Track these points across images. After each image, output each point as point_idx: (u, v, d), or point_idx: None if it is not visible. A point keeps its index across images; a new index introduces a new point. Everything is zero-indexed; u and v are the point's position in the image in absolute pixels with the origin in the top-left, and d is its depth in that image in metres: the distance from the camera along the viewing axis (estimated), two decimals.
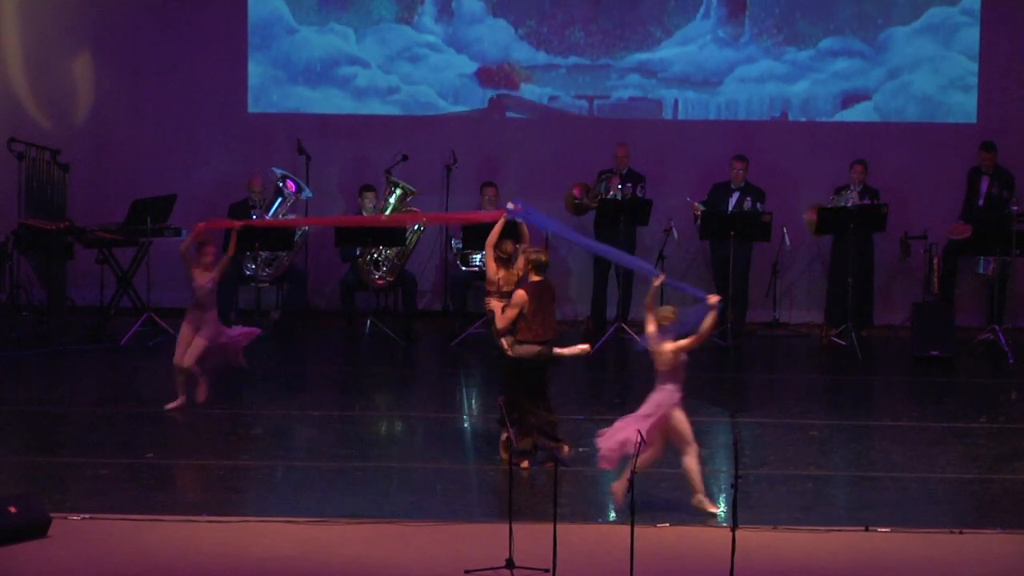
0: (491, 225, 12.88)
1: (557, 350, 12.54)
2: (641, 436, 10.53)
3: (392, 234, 17.66)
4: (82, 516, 11.04)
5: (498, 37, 19.04)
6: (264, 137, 19.09)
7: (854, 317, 17.46)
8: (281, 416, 14.49)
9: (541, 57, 19.03)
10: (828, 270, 18.14)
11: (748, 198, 17.88)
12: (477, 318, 17.13)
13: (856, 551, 10.62)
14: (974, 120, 18.80)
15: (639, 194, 17.93)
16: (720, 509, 11.36)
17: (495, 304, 12.63)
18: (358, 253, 17.84)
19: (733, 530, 9.73)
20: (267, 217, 18.02)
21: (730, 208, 17.86)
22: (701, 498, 11.37)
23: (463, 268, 17.96)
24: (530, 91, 19.10)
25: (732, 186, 18.01)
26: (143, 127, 19.13)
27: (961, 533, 10.93)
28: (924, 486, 12.26)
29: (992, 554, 10.57)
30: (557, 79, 19.05)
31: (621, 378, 16.84)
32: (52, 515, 10.76)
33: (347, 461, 12.86)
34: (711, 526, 11.06)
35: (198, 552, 10.45)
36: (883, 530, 10.98)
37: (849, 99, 18.92)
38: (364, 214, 17.94)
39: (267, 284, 18.12)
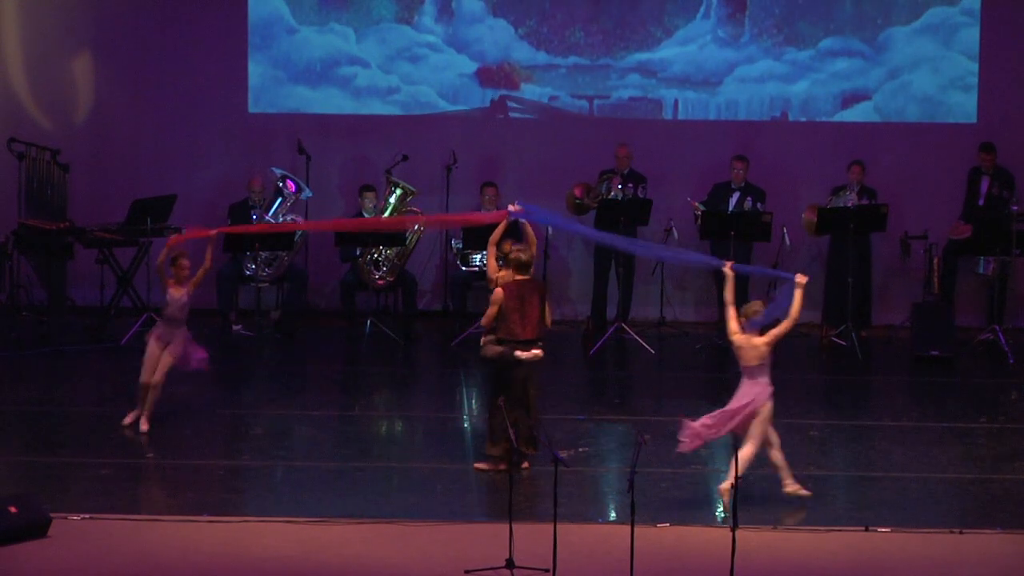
0: (492, 226, 12.86)
1: (517, 353, 12.29)
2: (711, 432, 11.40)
3: (392, 234, 17.66)
4: (82, 516, 11.04)
5: (498, 37, 19.04)
6: (264, 137, 19.09)
7: (853, 317, 17.46)
8: (281, 416, 14.49)
9: (541, 57, 19.03)
10: (826, 270, 18.14)
11: (748, 198, 17.88)
12: (477, 318, 17.09)
13: (856, 551, 10.62)
14: (974, 120, 18.80)
15: (640, 195, 17.93)
16: (809, 493, 11.64)
17: None
18: (358, 253, 17.84)
19: (733, 530, 9.73)
20: (267, 216, 18.03)
21: (730, 208, 17.86)
22: (792, 484, 11.64)
23: (463, 268, 17.96)
24: (530, 91, 19.10)
25: (732, 186, 18.01)
26: (143, 127, 19.13)
27: (961, 533, 10.93)
28: (924, 486, 12.26)
29: (992, 554, 10.58)
30: (557, 79, 19.05)
31: (621, 378, 16.84)
32: (52, 515, 10.76)
33: (347, 461, 12.86)
34: (711, 526, 11.07)
35: (198, 552, 10.46)
36: (883, 530, 10.98)
37: (849, 99, 18.92)
38: (364, 214, 17.94)
39: (267, 284, 18.12)
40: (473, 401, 15.59)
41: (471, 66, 19.07)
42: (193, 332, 17.61)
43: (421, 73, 19.07)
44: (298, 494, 11.95)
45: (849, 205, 17.65)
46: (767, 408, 11.56)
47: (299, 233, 17.99)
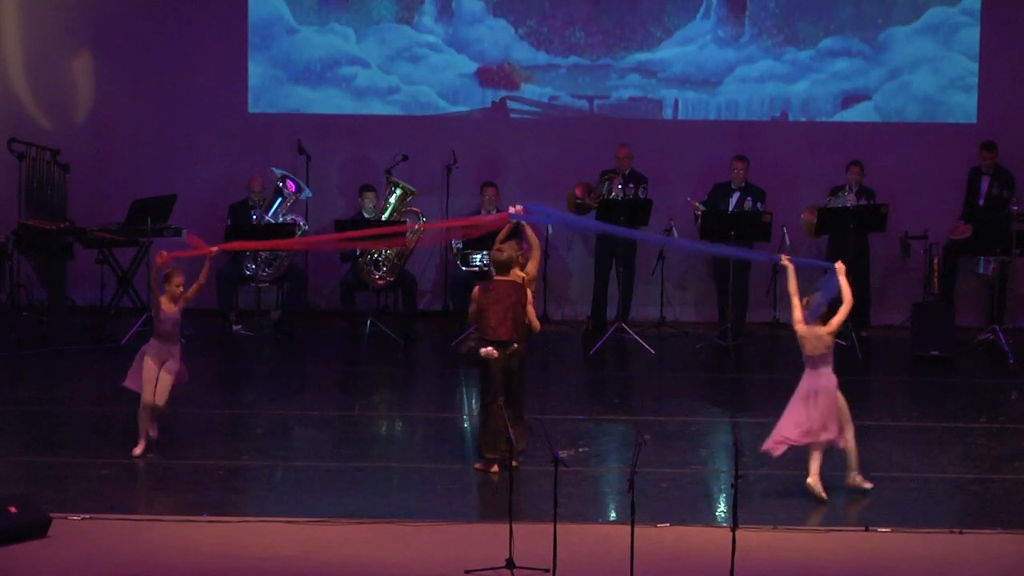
0: (494, 231, 12.90)
1: (482, 349, 12.37)
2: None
3: (392, 234, 17.63)
4: (82, 516, 11.04)
5: (498, 37, 19.04)
6: (264, 137, 19.09)
7: (853, 317, 17.43)
8: (281, 416, 14.49)
9: (541, 57, 19.03)
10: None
11: (748, 198, 17.87)
12: None
13: (856, 551, 10.62)
14: (974, 120, 18.80)
15: (641, 195, 17.93)
16: (871, 485, 11.86)
17: None
18: (358, 253, 17.84)
19: (733, 530, 9.73)
20: (267, 217, 18.03)
21: (730, 208, 17.86)
22: (856, 476, 11.88)
23: (463, 268, 17.95)
24: (530, 91, 19.10)
25: (732, 186, 18.01)
26: (143, 127, 19.13)
27: (961, 533, 10.93)
28: (924, 486, 12.26)
29: (992, 554, 10.58)
30: (557, 79, 19.05)
31: (621, 378, 16.84)
32: (52, 515, 10.76)
33: (347, 461, 12.86)
34: (711, 526, 11.07)
35: (198, 552, 10.46)
36: (883, 530, 10.98)
37: (849, 99, 18.92)
38: (364, 214, 17.94)
39: (267, 284, 18.12)
40: (473, 401, 15.59)
41: (471, 66, 19.07)
42: (193, 332, 17.71)
43: (421, 73, 19.07)
44: (298, 494, 11.95)
45: (847, 205, 17.64)
46: (840, 397, 11.91)
47: (299, 233, 17.97)
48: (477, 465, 12.49)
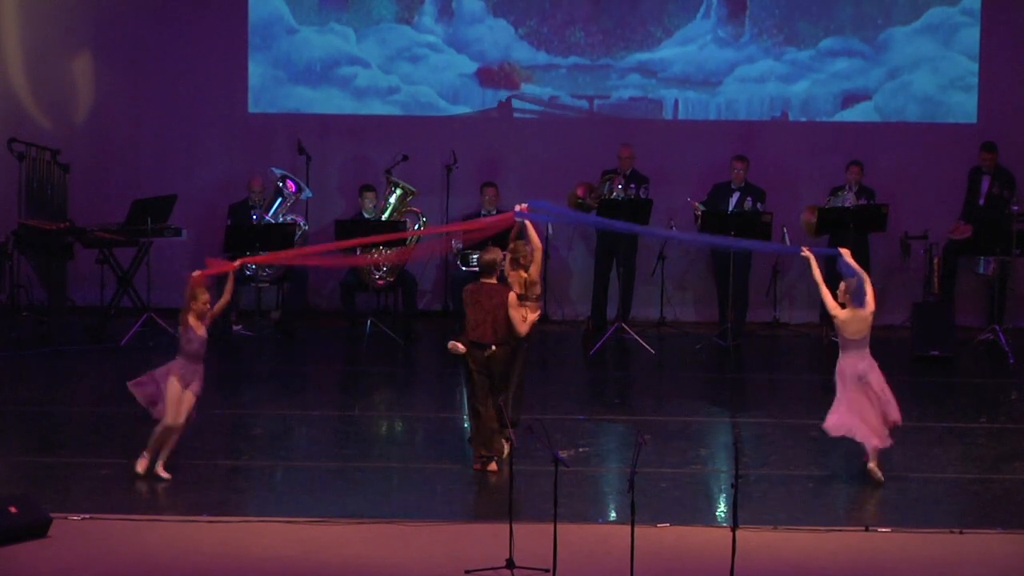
0: (500, 233, 12.94)
1: (449, 343, 12.61)
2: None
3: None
4: (82, 516, 11.05)
5: (498, 37, 19.04)
6: (264, 137, 19.09)
7: None
8: (281, 416, 14.49)
9: (541, 57, 19.03)
10: (825, 270, 18.11)
11: (748, 198, 17.87)
12: None
13: (856, 551, 10.63)
14: (974, 120, 18.80)
15: (642, 195, 17.93)
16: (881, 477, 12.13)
17: (527, 307, 12.71)
18: (358, 253, 17.82)
19: (733, 530, 9.73)
20: (267, 217, 18.03)
21: (730, 208, 17.85)
22: (873, 466, 12.13)
23: (463, 268, 17.94)
24: (530, 91, 19.10)
25: (732, 186, 18.01)
26: (143, 127, 19.13)
27: (961, 533, 10.93)
28: (924, 486, 12.26)
29: (992, 554, 10.58)
30: (557, 79, 19.05)
31: (621, 378, 16.84)
32: (52, 515, 10.77)
33: (347, 461, 12.87)
34: (711, 526, 11.07)
35: (198, 552, 10.46)
36: (883, 530, 10.99)
37: (849, 99, 18.92)
38: (364, 214, 17.94)
39: (267, 284, 18.12)
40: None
41: (471, 66, 19.07)
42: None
43: (421, 73, 19.07)
44: (298, 494, 11.96)
45: (847, 205, 17.64)
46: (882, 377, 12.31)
47: (299, 233, 17.99)
48: (476, 465, 12.51)
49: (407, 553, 10.45)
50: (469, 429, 12.81)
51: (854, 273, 12.33)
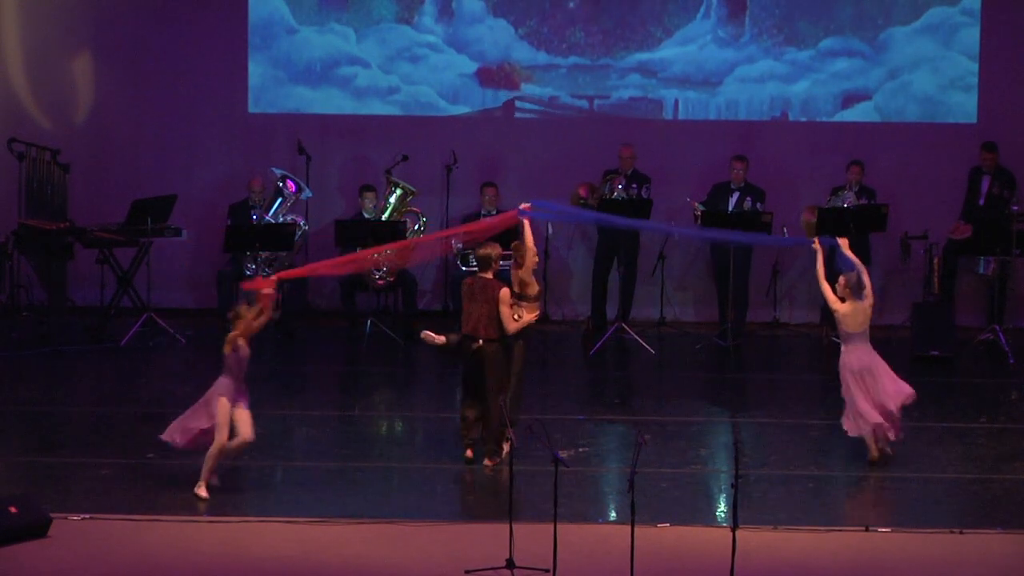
0: (504, 233, 12.98)
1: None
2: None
3: (392, 234, 17.66)
4: (82, 516, 11.04)
5: (498, 37, 19.04)
6: (264, 137, 19.09)
7: None
8: (281, 416, 14.49)
9: (541, 57, 19.02)
10: (825, 270, 18.11)
11: (748, 198, 17.87)
12: None
13: (856, 551, 10.62)
14: (974, 120, 18.80)
15: (644, 195, 17.92)
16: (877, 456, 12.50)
17: (523, 307, 12.73)
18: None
19: (733, 530, 9.73)
20: (267, 217, 18.02)
21: (730, 208, 17.85)
22: (879, 451, 12.51)
23: (463, 268, 17.94)
24: (530, 91, 19.10)
25: (732, 186, 18.01)
26: (143, 127, 19.13)
27: (961, 533, 10.93)
28: (924, 486, 12.26)
29: (992, 554, 10.58)
30: (557, 79, 19.04)
31: (621, 378, 16.84)
32: (52, 515, 10.76)
33: (347, 461, 12.87)
34: (711, 526, 11.07)
35: (198, 552, 10.46)
36: (883, 530, 10.98)
37: (849, 99, 18.92)
38: (364, 214, 17.95)
39: None
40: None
41: (471, 66, 19.07)
42: (193, 333, 17.73)
43: (421, 73, 19.07)
44: (298, 494, 11.95)
45: (847, 205, 17.64)
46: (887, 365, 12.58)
47: (299, 233, 17.99)
48: (487, 461, 12.55)
49: (407, 553, 10.45)
50: (461, 424, 12.81)
51: (852, 266, 12.49)
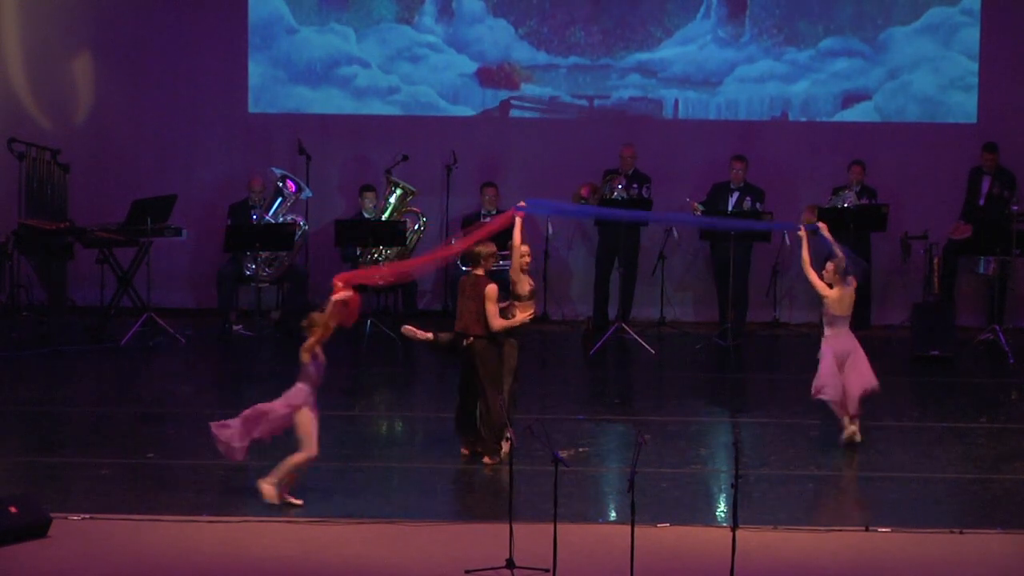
0: (503, 233, 12.98)
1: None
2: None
3: (392, 234, 17.67)
4: (82, 516, 11.04)
5: (498, 37, 19.04)
6: (264, 137, 19.09)
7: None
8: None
9: (541, 57, 19.03)
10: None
11: (748, 198, 17.88)
12: None
13: (856, 551, 10.62)
14: (974, 120, 18.81)
15: (644, 195, 17.93)
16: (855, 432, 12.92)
17: (516, 307, 12.73)
18: (358, 253, 17.84)
19: (733, 530, 9.73)
20: (267, 216, 18.03)
21: (730, 208, 17.86)
22: (853, 430, 12.95)
23: (463, 268, 17.93)
24: (530, 91, 19.10)
25: (732, 186, 18.02)
26: (143, 127, 19.13)
27: (961, 533, 10.92)
28: (924, 486, 12.26)
29: (992, 554, 10.57)
30: (557, 79, 19.05)
31: (621, 378, 16.84)
32: (52, 515, 10.76)
33: (347, 461, 12.86)
34: (711, 526, 11.06)
35: (198, 552, 10.45)
36: (883, 530, 10.97)
37: (849, 99, 18.93)
38: (364, 214, 17.96)
39: (267, 284, 18.12)
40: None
41: (471, 66, 19.07)
42: (193, 332, 17.72)
43: (421, 73, 19.07)
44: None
45: (848, 205, 17.65)
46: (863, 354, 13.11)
47: (299, 233, 17.99)
48: (486, 459, 12.57)
49: (407, 553, 10.45)
50: (455, 421, 12.85)
51: (829, 249, 12.97)
